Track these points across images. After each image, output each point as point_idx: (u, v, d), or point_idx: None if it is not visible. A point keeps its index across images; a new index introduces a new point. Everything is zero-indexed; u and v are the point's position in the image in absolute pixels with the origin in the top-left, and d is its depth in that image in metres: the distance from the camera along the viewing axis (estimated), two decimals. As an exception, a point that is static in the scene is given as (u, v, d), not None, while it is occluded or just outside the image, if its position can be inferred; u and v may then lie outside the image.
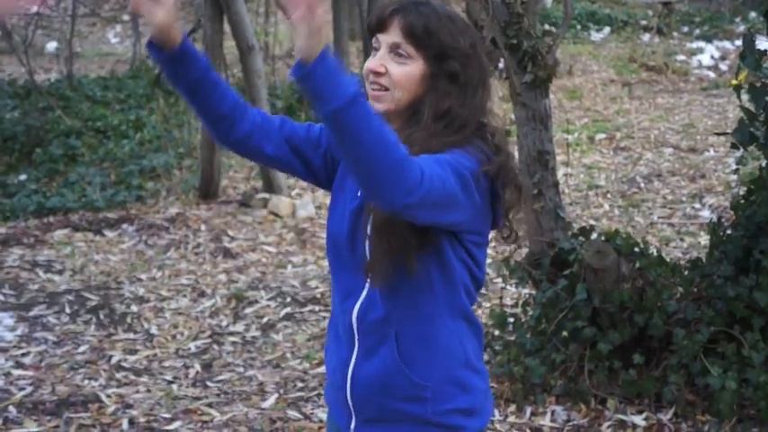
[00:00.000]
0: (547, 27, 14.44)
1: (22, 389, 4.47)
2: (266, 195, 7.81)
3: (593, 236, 4.27)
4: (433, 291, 1.96)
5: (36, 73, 12.40)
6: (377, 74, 1.90)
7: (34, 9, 10.60)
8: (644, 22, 17.15)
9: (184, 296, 5.78)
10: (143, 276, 6.14)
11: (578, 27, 16.92)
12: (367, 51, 10.68)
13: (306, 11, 1.60)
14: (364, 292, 1.99)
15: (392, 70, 1.89)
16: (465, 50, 1.91)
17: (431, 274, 1.95)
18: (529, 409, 4.04)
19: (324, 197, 7.74)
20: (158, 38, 1.85)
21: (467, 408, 2.03)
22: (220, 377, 4.65)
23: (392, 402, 1.99)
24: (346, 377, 2.03)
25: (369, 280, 1.96)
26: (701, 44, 15.29)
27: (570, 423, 3.93)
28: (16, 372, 4.69)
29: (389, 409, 2.00)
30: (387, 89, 1.90)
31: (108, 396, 4.40)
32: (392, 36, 1.89)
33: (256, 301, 5.66)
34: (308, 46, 1.61)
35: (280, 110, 10.60)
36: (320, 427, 4.03)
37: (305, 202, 7.74)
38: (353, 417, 2.05)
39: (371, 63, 1.91)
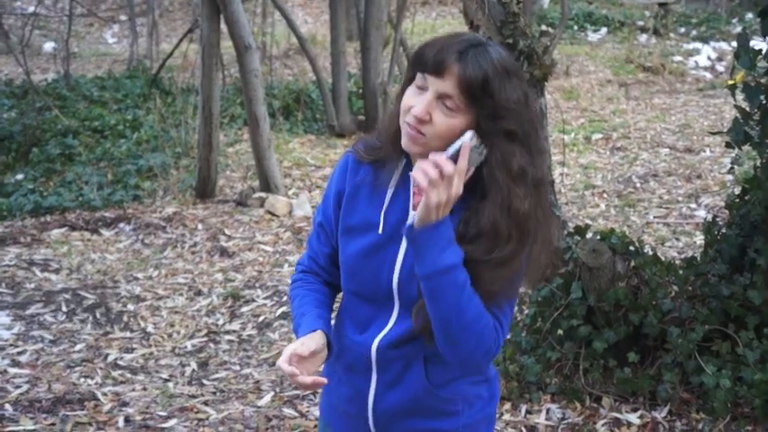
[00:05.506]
0: (544, 27, 14.46)
1: (18, 387, 4.47)
2: (263, 194, 7.81)
3: (589, 235, 4.28)
4: None
5: (33, 73, 12.42)
6: (420, 121, 1.77)
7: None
8: (641, 23, 17.16)
9: (181, 295, 5.78)
10: (140, 275, 6.14)
11: (575, 27, 16.94)
12: (365, 51, 10.64)
13: (438, 182, 1.69)
14: (389, 326, 1.93)
15: (437, 121, 1.77)
16: (519, 109, 1.78)
17: None
18: (524, 407, 4.05)
19: (320, 197, 7.74)
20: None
21: (491, 413, 2.05)
22: (216, 375, 4.66)
23: (422, 422, 1.97)
24: (366, 407, 1.98)
25: (413, 321, 1.89)
26: (698, 45, 15.32)
27: (565, 421, 3.94)
28: (13, 370, 4.69)
29: (418, 429, 1.97)
30: (424, 134, 1.79)
31: (104, 394, 4.40)
32: (446, 86, 1.75)
33: (252, 300, 5.67)
34: (423, 218, 1.73)
35: (277, 109, 10.61)
36: (315, 425, 4.03)
37: (301, 202, 7.74)
38: None
39: (418, 109, 1.77)
